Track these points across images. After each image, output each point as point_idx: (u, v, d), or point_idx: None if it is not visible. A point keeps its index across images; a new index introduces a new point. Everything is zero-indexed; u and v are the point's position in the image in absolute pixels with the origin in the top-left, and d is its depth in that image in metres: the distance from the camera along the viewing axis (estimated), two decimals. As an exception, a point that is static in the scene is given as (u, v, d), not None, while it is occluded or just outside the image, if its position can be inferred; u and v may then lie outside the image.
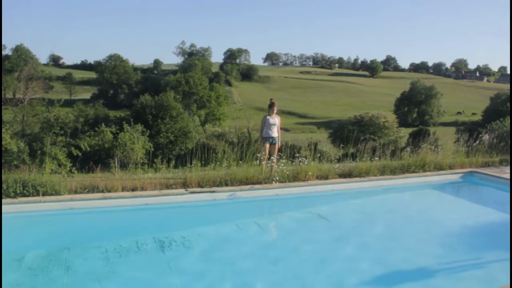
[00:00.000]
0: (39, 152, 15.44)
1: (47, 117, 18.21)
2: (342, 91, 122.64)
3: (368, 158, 9.78)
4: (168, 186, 7.67)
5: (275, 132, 8.88)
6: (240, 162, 8.94)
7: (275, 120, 8.88)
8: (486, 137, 11.92)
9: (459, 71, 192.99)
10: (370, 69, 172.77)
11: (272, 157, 8.69)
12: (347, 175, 9.03)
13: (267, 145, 8.84)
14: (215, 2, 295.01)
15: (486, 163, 10.67)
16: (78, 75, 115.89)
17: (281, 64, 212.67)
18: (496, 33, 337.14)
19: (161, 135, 30.53)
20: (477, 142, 11.56)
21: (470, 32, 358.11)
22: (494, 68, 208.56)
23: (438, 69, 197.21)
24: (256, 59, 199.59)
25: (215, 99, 69.12)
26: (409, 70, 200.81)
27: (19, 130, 26.83)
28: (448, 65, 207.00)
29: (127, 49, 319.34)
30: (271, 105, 8.90)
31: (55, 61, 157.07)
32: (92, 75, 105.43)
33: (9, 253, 5.03)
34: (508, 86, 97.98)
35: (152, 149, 18.23)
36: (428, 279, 5.02)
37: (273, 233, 7.13)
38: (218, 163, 9.51)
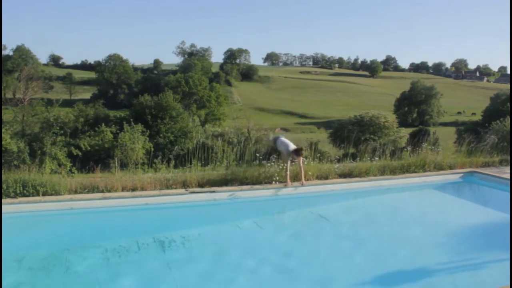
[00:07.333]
0: (39, 152, 15.47)
1: (46, 117, 18.25)
2: (342, 91, 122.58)
3: (368, 158, 9.77)
4: (168, 186, 7.66)
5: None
6: (240, 162, 8.92)
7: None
8: (492, 139, 11.83)
9: (459, 71, 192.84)
10: (370, 69, 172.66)
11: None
12: (347, 175, 9.02)
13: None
14: (215, 2, 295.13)
15: (486, 163, 10.65)
16: (78, 75, 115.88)
17: (281, 64, 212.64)
18: (496, 33, 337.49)
19: (161, 135, 30.52)
20: (482, 142, 11.47)
21: (470, 32, 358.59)
22: (494, 68, 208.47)
23: (438, 69, 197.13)
24: (256, 59, 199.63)
25: (215, 99, 69.11)
26: (409, 70, 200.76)
27: (19, 130, 26.74)
28: (448, 65, 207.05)
29: (127, 49, 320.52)
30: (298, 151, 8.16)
31: (55, 61, 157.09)
32: (92, 75, 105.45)
33: (9, 253, 5.02)
34: (508, 86, 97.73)
35: (152, 149, 18.26)
36: (428, 279, 5.03)
37: (273, 233, 7.11)
38: (218, 163, 9.49)
